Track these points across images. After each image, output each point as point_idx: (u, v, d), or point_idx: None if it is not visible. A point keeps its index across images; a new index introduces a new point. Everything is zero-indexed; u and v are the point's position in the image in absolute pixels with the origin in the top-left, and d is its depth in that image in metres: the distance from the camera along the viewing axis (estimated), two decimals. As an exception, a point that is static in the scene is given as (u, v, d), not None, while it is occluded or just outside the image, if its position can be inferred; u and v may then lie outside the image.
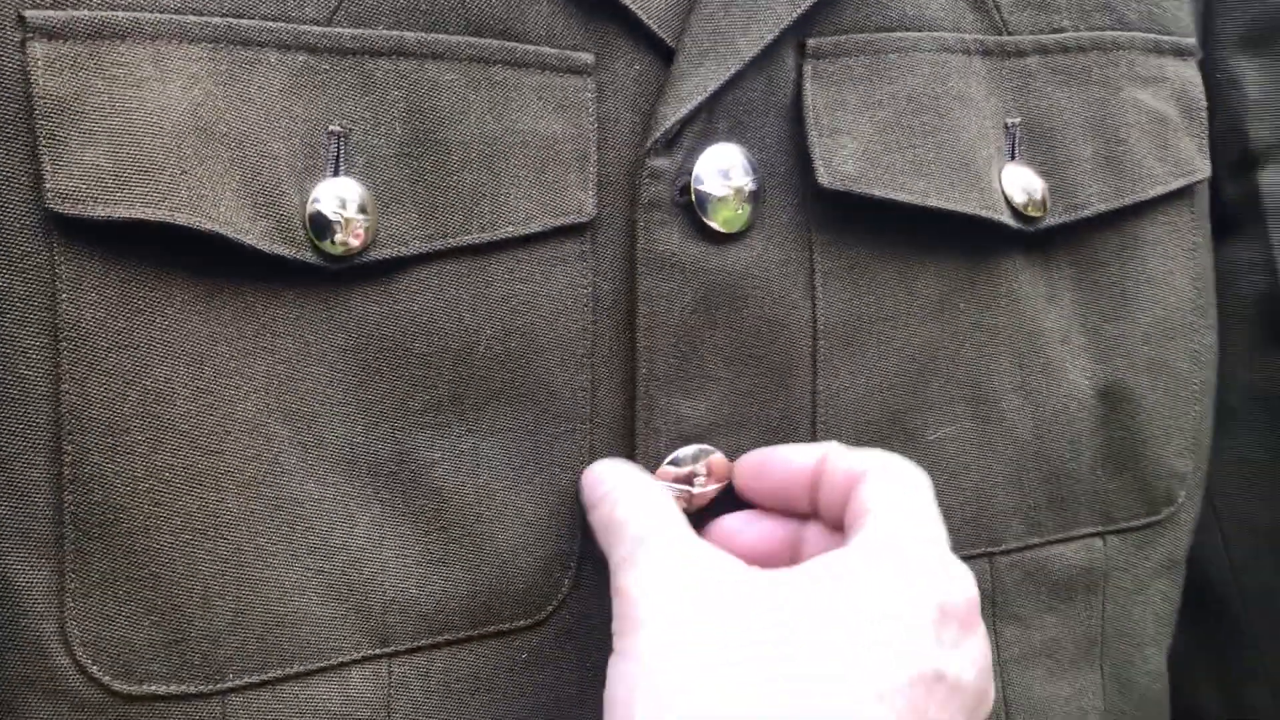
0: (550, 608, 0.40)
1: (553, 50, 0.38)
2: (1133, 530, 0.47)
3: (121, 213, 0.33)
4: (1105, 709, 0.47)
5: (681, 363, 0.39)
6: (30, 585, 0.35)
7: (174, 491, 0.35)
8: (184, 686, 0.35)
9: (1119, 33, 0.47)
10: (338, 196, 0.35)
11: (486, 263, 0.38)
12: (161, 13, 0.34)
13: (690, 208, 0.39)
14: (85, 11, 0.33)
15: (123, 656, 0.35)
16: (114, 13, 0.33)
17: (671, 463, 0.40)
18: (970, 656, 0.32)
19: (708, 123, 0.39)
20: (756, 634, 0.31)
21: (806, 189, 0.41)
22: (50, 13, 0.33)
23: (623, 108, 0.39)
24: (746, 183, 0.39)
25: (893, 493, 0.35)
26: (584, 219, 0.39)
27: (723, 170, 0.39)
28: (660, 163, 0.39)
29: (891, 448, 0.40)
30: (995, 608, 0.45)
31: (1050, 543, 0.46)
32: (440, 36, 0.37)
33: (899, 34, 0.42)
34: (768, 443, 0.41)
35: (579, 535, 0.40)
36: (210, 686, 0.36)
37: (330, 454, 0.37)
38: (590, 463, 0.39)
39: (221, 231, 0.34)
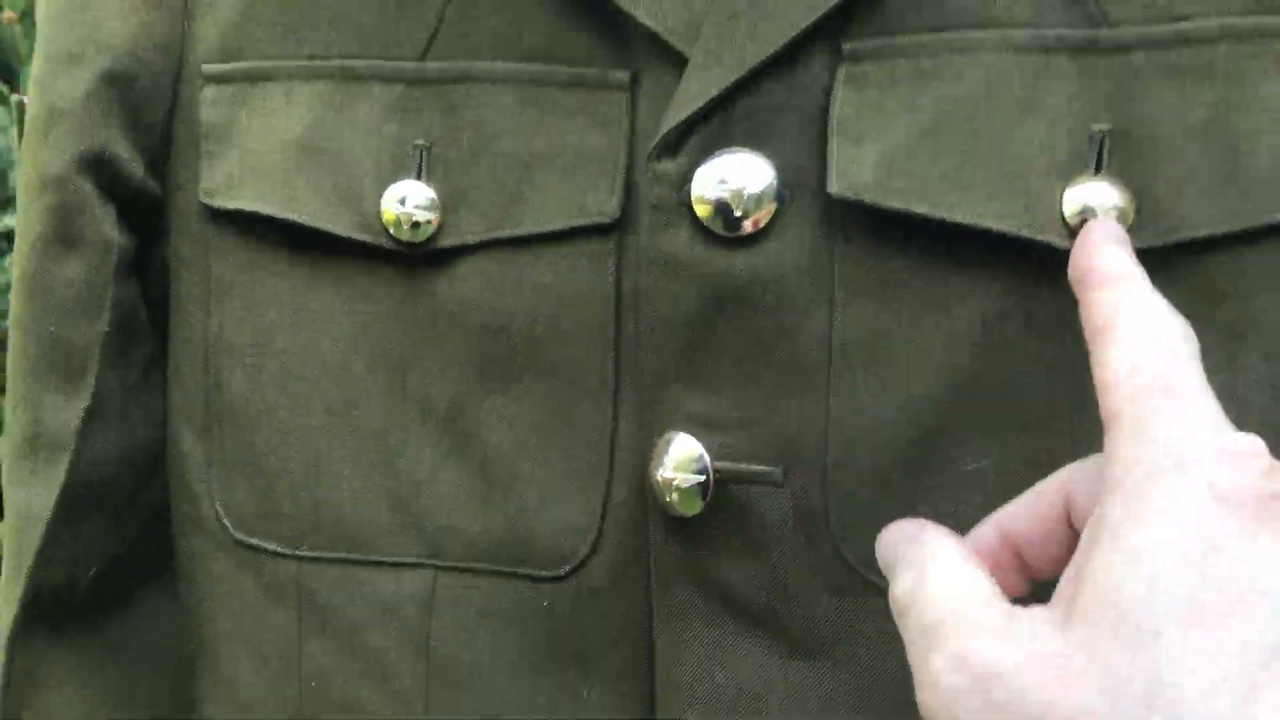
0: (568, 567, 0.44)
1: (593, 71, 0.43)
2: None
3: (233, 204, 0.46)
4: None
5: (688, 357, 0.42)
6: (193, 453, 0.49)
7: (271, 404, 0.47)
8: (272, 545, 0.48)
9: (1262, 18, 0.39)
10: (405, 195, 0.44)
11: (521, 254, 0.43)
12: (295, 60, 0.46)
13: (693, 210, 0.40)
14: (243, 63, 0.46)
15: (238, 513, 0.48)
16: (262, 62, 0.46)
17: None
18: None
19: (721, 128, 0.40)
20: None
21: (833, 198, 0.39)
22: (220, 65, 0.47)
23: (653, 120, 0.42)
24: (748, 188, 0.40)
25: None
26: (606, 220, 0.42)
27: (722, 176, 0.40)
28: (664, 166, 0.41)
29: (919, 473, 0.40)
30: None
31: None
32: (500, 64, 0.44)
33: (956, 33, 0.40)
34: (779, 446, 0.41)
35: (599, 510, 0.44)
36: (290, 550, 0.47)
37: (404, 397, 0.46)
38: (610, 439, 0.44)
39: (303, 220, 0.45)
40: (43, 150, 0.47)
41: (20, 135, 0.50)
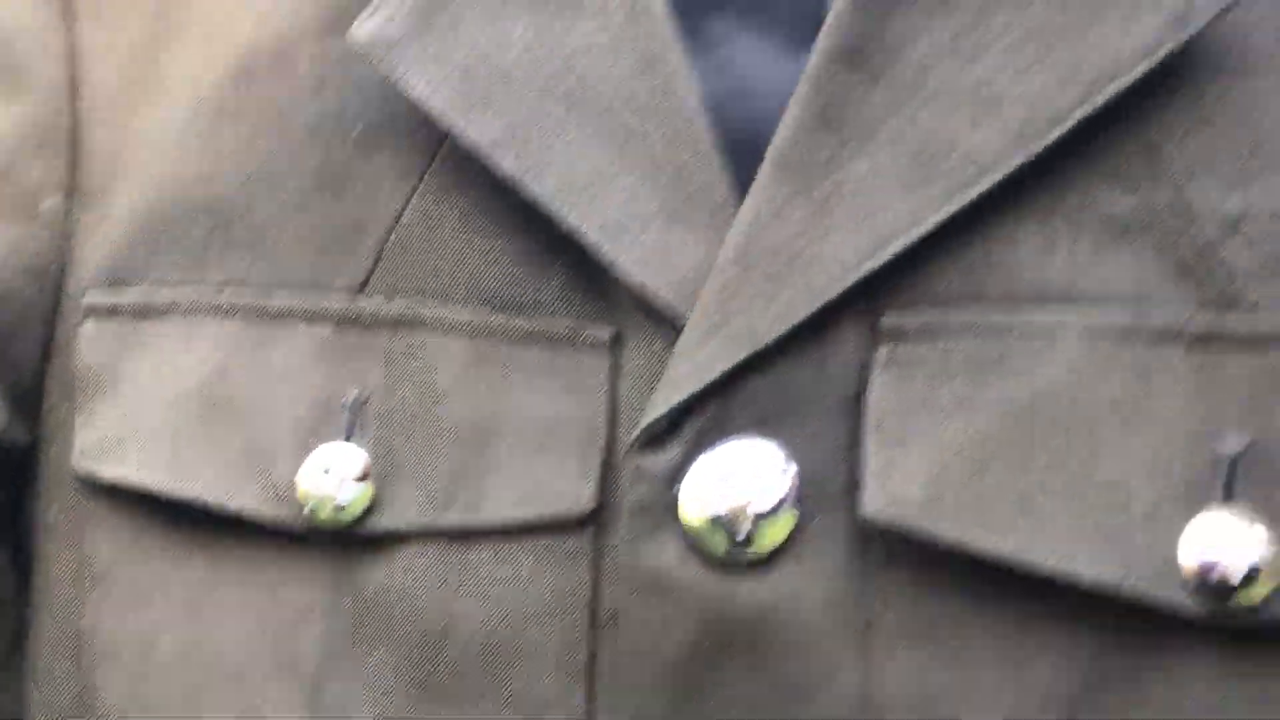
0: None
1: (566, 324, 0.34)
2: None
3: (111, 473, 0.38)
4: None
5: (679, 707, 0.33)
6: None
7: (155, 715, 0.37)
8: None
9: None
10: (330, 465, 0.35)
11: (473, 548, 0.35)
12: (201, 286, 0.37)
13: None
14: (133, 291, 0.38)
15: None
16: (158, 290, 0.38)
17: None
18: None
19: (722, 412, 0.32)
20: None
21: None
22: (105, 295, 0.38)
23: (639, 391, 0.33)
24: (757, 496, 0.32)
25: None
26: (579, 511, 0.34)
27: (724, 473, 0.32)
28: (648, 460, 0.32)
29: None
30: None
31: None
32: (451, 311, 0.36)
33: (1031, 311, 0.32)
34: None
35: None
36: None
37: (316, 715, 0.36)
38: None
39: (200, 497, 0.36)
40: None
41: None
